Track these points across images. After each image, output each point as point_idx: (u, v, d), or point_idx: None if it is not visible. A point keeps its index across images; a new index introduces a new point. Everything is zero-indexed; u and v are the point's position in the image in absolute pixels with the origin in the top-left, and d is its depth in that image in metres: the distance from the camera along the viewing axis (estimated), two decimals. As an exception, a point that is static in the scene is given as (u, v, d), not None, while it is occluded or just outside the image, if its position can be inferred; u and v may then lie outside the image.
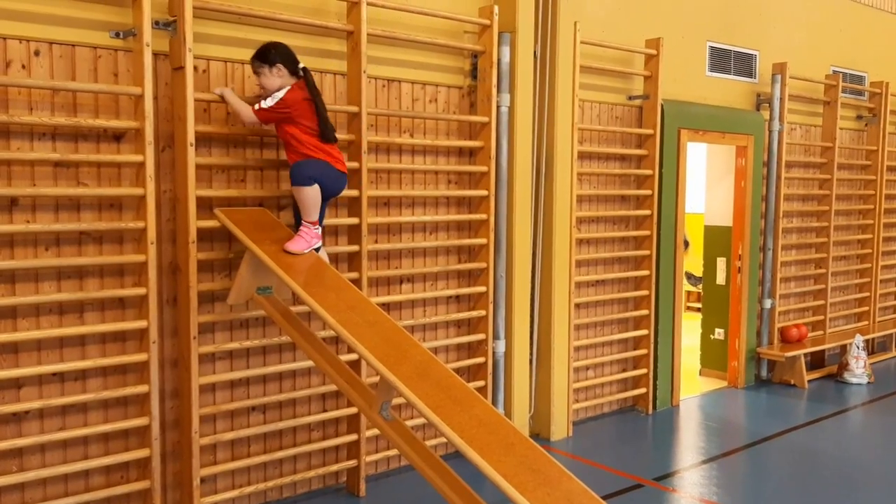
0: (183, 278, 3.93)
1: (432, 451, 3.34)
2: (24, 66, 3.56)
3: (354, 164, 4.48)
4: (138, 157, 3.75)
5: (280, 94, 3.85)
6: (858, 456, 5.50)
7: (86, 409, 3.82)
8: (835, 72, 7.80)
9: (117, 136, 3.82)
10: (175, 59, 3.84)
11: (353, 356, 4.30)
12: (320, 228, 3.99)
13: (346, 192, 4.49)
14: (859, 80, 8.19)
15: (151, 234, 3.77)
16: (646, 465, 5.22)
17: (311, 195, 3.88)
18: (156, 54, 3.86)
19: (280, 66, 3.87)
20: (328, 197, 4.05)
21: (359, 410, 3.55)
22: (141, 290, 3.80)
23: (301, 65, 3.94)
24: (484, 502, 3.07)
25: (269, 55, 3.88)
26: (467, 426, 2.86)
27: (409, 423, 4.32)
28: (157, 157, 3.89)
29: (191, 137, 3.82)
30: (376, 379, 3.32)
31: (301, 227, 3.92)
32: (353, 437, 4.63)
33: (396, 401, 3.60)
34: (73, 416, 3.78)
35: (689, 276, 11.07)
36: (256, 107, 3.89)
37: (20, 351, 3.61)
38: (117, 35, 3.76)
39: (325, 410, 4.62)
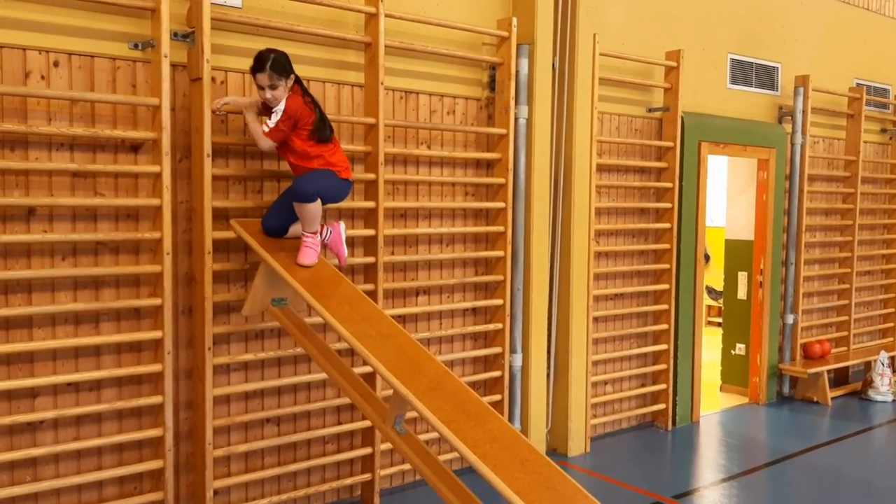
0: (198, 289, 3.92)
1: (446, 465, 3.29)
2: (43, 77, 3.58)
3: (371, 176, 4.47)
4: (155, 168, 3.75)
5: (281, 107, 3.72)
6: (883, 476, 5.38)
7: (100, 420, 3.81)
8: (858, 84, 7.70)
9: (135, 147, 3.83)
10: (193, 70, 3.85)
11: (368, 369, 4.26)
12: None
13: (363, 204, 4.49)
14: (883, 92, 8.08)
15: (167, 244, 3.77)
16: (664, 483, 5.13)
17: (314, 210, 3.76)
18: (174, 65, 3.87)
19: (293, 75, 3.76)
20: (327, 203, 3.94)
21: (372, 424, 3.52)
22: (156, 301, 3.80)
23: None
24: (498, 519, 3.01)
25: (285, 65, 3.70)
26: (481, 442, 2.81)
27: (423, 437, 4.27)
28: (174, 167, 3.89)
29: (207, 148, 3.82)
30: (390, 392, 3.28)
31: (304, 238, 3.80)
32: (368, 450, 4.59)
33: (410, 414, 3.55)
34: (87, 426, 3.78)
35: (710, 291, 10.94)
36: (265, 128, 3.74)
37: (35, 360, 3.61)
38: (136, 46, 3.78)
39: (339, 423, 4.59)
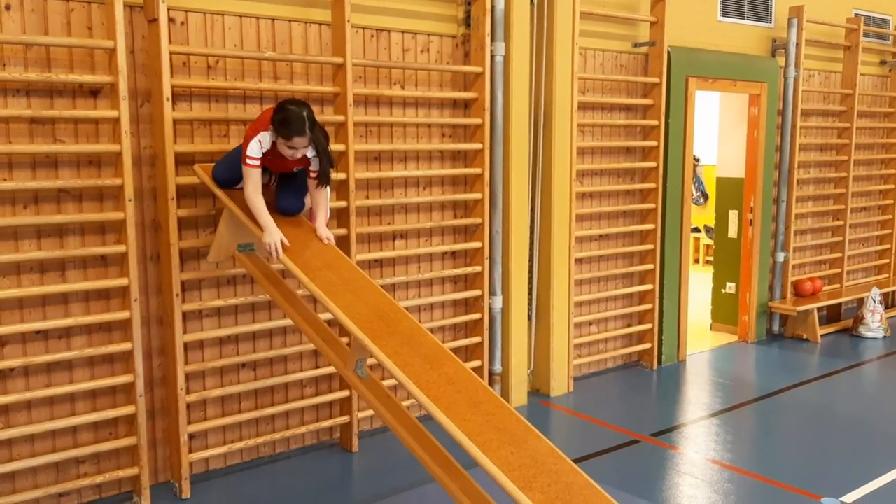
0: (164, 235, 3.89)
1: (407, 410, 3.29)
2: (-5, 21, 3.50)
3: (340, 118, 4.38)
4: (113, 113, 3.68)
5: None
6: (870, 412, 5.38)
7: (71, 367, 3.82)
8: (856, 14, 7.46)
9: (94, 92, 3.75)
10: (149, 10, 3.74)
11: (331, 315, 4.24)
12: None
13: (333, 146, 4.40)
14: (883, 23, 7.84)
15: (129, 190, 3.72)
16: (645, 421, 5.14)
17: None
18: (132, 6, 3.79)
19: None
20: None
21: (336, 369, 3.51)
22: (121, 248, 3.77)
23: None
24: (456, 462, 3.02)
25: (312, 117, 3.45)
26: (435, 384, 2.80)
27: (388, 382, 4.24)
28: (136, 112, 3.83)
29: (167, 92, 3.75)
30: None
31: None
32: (346, 393, 4.61)
33: (374, 360, 3.54)
34: (58, 373, 3.79)
35: (708, 230, 10.86)
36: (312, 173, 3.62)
37: (2, 309, 3.61)
38: (89, -13, 3.67)
39: (317, 366, 4.60)
